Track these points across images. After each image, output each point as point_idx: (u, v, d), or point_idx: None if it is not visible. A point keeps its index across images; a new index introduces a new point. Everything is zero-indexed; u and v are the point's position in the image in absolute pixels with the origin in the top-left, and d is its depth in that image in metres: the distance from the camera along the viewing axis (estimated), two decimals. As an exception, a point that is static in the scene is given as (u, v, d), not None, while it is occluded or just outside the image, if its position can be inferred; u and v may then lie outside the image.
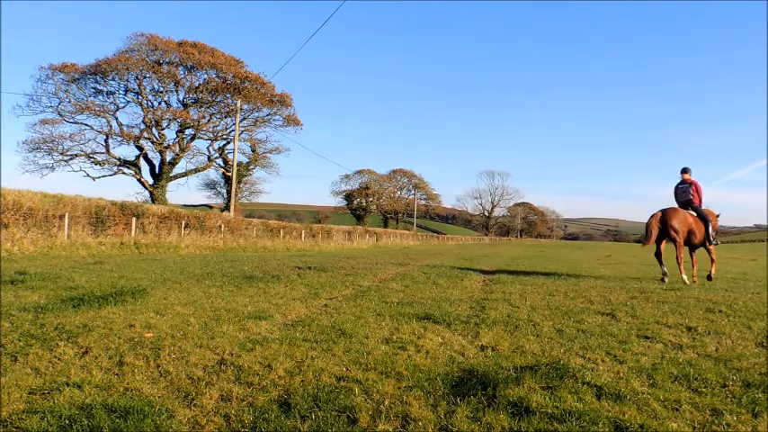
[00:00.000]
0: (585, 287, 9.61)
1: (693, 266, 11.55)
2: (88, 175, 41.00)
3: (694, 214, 11.10)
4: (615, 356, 4.49)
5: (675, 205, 11.37)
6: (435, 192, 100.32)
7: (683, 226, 10.64)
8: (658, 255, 11.07)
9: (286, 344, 4.61)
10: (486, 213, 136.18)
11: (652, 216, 10.78)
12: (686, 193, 11.23)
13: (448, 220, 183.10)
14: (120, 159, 41.22)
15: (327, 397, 3.34)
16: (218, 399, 3.36)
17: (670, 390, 3.61)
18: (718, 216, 11.97)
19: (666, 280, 10.77)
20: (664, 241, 10.94)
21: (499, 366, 4.02)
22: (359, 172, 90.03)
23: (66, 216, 17.85)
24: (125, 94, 41.41)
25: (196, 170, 45.59)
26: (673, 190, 11.58)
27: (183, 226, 24.38)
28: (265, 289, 8.28)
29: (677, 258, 10.77)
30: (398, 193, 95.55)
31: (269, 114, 46.16)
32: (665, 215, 10.67)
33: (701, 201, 11.29)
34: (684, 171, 11.32)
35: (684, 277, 10.76)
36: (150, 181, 42.05)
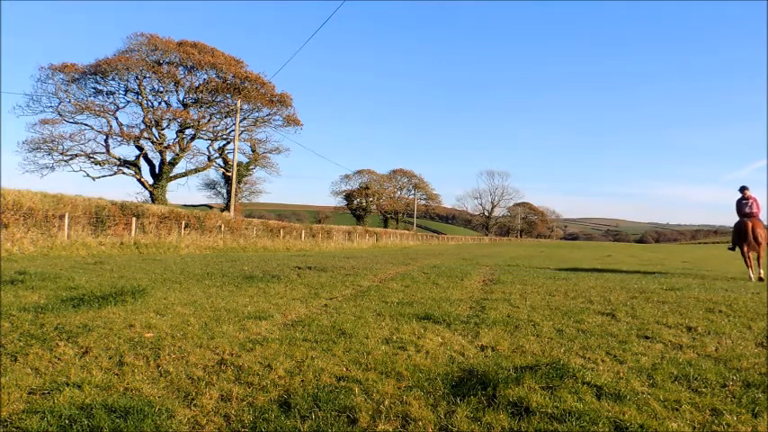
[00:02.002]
0: (585, 287, 9.61)
1: (761, 266, 13.12)
2: (88, 175, 41.02)
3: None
4: (615, 356, 4.49)
5: (736, 216, 13.26)
6: (435, 192, 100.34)
7: (763, 233, 12.65)
8: (745, 257, 12.81)
9: (286, 344, 4.61)
10: (486, 213, 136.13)
11: (744, 225, 12.65)
12: (750, 207, 12.99)
13: (448, 220, 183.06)
14: (120, 159, 41.20)
15: (327, 397, 3.34)
16: (218, 399, 3.36)
17: (670, 390, 3.61)
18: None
19: (754, 278, 12.46)
20: (746, 245, 12.81)
21: (499, 366, 4.02)
22: (359, 172, 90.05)
23: (66, 216, 17.85)
24: (125, 94, 41.43)
25: (196, 170, 45.57)
26: (735, 204, 13.23)
27: (182, 226, 24.38)
28: (265, 289, 8.28)
29: (758, 260, 12.64)
30: (398, 193, 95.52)
31: (269, 114, 46.16)
32: (753, 225, 12.61)
33: (759, 212, 13.27)
34: (744, 189, 13.08)
35: (761, 273, 12.47)
36: (150, 181, 42.04)
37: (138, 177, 41.67)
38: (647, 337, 5.26)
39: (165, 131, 42.41)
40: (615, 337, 5.25)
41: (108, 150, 40.87)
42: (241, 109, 40.82)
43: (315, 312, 6.33)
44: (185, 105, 42.92)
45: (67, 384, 3.46)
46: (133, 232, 20.82)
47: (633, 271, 15.96)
